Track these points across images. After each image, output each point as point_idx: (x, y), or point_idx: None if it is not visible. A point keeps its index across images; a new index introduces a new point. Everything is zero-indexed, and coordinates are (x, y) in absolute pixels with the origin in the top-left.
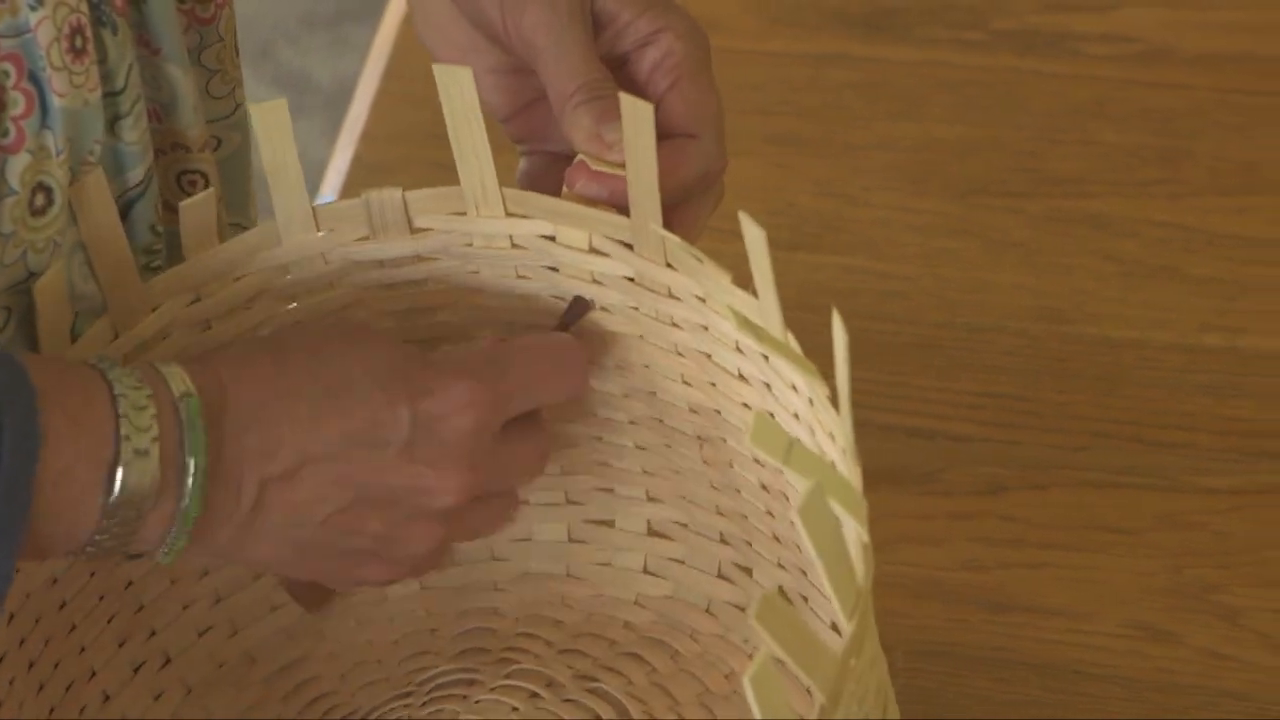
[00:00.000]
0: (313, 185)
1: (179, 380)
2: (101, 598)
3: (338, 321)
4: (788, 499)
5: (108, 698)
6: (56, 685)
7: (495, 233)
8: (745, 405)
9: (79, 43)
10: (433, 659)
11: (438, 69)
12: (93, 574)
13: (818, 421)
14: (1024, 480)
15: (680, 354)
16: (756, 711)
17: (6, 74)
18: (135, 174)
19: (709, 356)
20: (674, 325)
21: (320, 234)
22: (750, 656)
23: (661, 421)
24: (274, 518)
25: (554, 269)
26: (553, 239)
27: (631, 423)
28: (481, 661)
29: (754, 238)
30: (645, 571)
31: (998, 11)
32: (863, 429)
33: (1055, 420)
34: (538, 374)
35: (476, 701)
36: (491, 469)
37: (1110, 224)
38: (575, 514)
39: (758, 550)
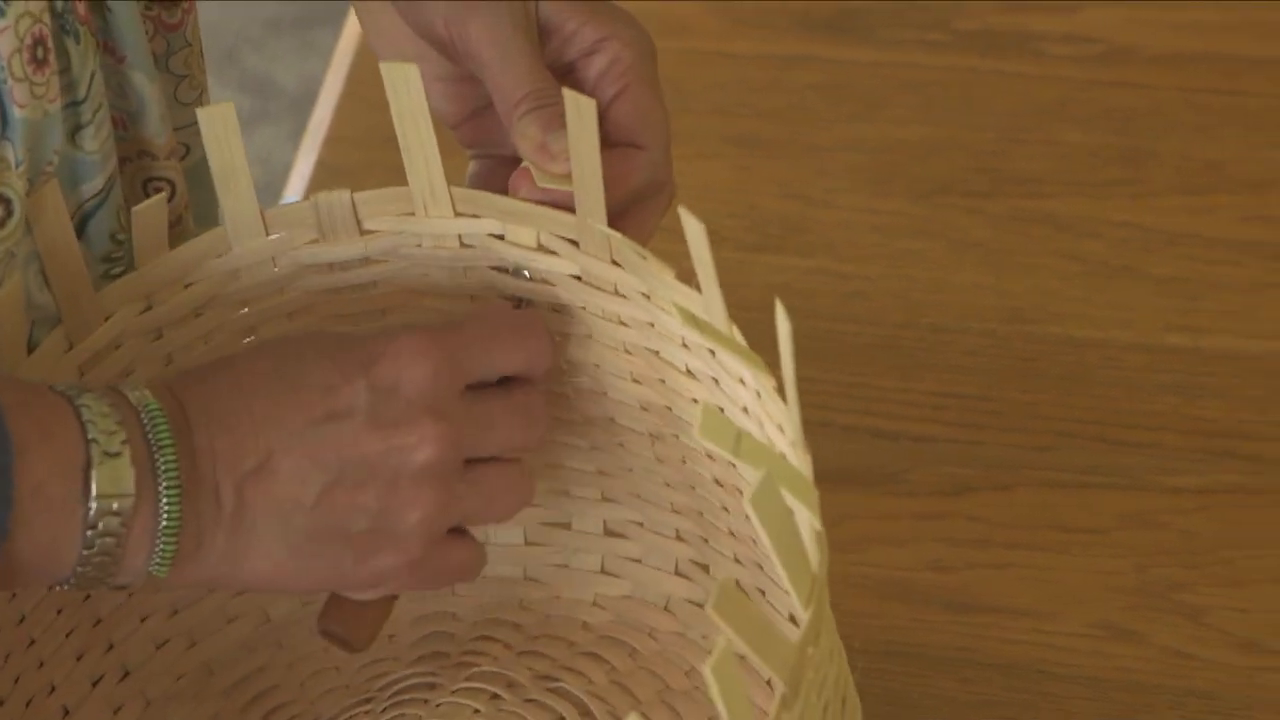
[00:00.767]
0: (277, 189)
1: (137, 393)
2: (59, 611)
3: (290, 334)
4: (741, 493)
5: (67, 712)
6: (16, 701)
7: (444, 232)
8: (695, 401)
9: (40, 53)
10: (391, 664)
11: (384, 67)
12: (51, 587)
13: (766, 414)
14: (988, 480)
15: (629, 352)
16: (718, 700)
17: None
18: (95, 184)
19: (657, 353)
20: (621, 323)
21: (270, 238)
22: (709, 653)
23: (614, 421)
24: (260, 517)
25: (502, 269)
26: (502, 238)
27: (584, 423)
28: (441, 665)
29: (694, 231)
30: (603, 572)
31: (960, 12)
32: (826, 430)
33: (1019, 420)
34: (491, 331)
35: (438, 705)
36: (466, 422)
37: (1073, 224)
38: (531, 516)
39: (714, 546)
